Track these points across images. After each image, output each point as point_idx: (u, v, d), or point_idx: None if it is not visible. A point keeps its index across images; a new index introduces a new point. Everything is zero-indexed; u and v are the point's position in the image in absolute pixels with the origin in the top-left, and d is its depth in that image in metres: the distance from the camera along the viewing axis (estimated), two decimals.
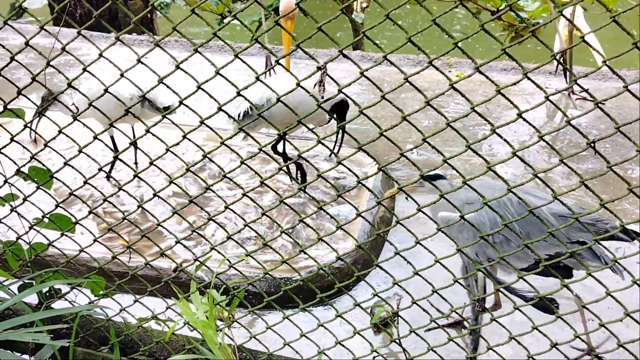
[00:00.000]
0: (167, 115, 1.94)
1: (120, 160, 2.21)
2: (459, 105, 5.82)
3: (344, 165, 1.93)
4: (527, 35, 1.70)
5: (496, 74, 6.19)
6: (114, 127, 2.13)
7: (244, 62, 1.79)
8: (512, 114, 5.34)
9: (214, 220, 2.08)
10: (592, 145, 1.59)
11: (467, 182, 1.83)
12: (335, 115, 4.32)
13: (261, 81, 1.80)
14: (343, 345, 2.28)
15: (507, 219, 2.52)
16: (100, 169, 2.21)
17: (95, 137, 2.09)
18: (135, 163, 4.56)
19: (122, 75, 1.94)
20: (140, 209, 2.21)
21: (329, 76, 1.82)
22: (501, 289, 2.59)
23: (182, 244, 2.15)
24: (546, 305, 2.18)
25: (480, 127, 5.54)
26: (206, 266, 2.28)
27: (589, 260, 2.59)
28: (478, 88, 5.96)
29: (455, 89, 1.71)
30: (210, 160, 1.98)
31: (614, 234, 2.42)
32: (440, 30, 1.65)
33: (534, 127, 1.66)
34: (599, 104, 1.55)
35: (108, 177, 4.47)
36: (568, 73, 5.84)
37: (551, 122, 5.75)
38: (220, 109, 1.87)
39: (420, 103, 1.76)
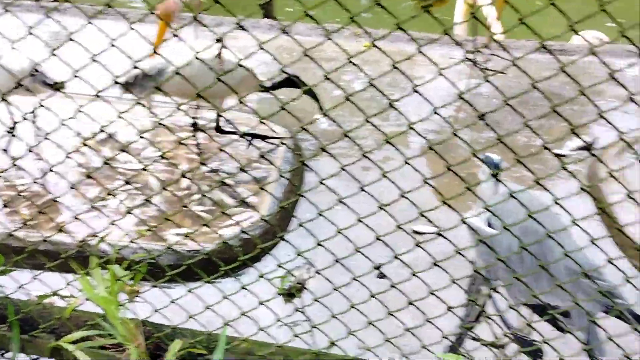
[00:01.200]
0: (60, 90, 1.88)
1: (13, 134, 2.14)
2: (369, 74, 5.86)
3: (245, 138, 1.93)
4: (425, 5, 1.73)
5: (403, 45, 6.25)
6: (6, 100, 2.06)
7: (139, 32, 1.76)
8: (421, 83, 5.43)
9: (113, 195, 2.04)
10: (482, 117, 1.65)
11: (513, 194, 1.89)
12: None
13: (157, 53, 1.77)
14: (248, 316, 2.30)
15: (524, 255, 2.51)
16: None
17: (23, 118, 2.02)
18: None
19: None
20: (43, 181, 2.15)
21: (226, 47, 1.80)
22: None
23: (79, 219, 2.11)
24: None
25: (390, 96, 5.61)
26: (107, 242, 2.25)
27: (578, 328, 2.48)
28: (386, 58, 6.03)
29: (352, 63, 1.74)
30: (108, 134, 1.94)
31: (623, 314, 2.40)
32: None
33: (427, 100, 1.71)
34: (501, 72, 1.61)
35: (4, 151, 4.31)
36: (471, 43, 5.97)
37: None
38: (116, 82, 1.83)
39: (336, 74, 1.78)
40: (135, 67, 1.86)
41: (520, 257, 2.48)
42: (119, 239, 2.32)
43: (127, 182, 2.00)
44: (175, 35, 1.74)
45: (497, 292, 2.59)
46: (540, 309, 2.39)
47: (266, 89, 3.01)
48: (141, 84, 3.94)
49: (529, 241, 2.43)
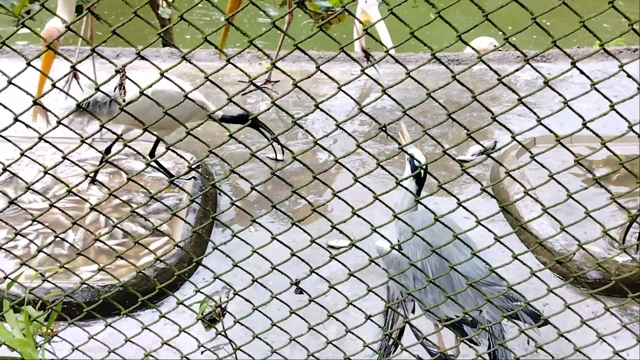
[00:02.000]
0: None
1: None
2: (273, 95, 5.92)
3: (153, 166, 1.93)
4: (321, 24, 1.78)
5: (305, 64, 6.35)
6: None
7: (37, 68, 1.74)
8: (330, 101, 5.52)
9: (21, 235, 2.00)
10: (384, 129, 1.72)
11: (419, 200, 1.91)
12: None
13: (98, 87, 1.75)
14: (170, 345, 2.28)
15: (428, 267, 2.58)
16: None
17: None
18: None
19: None
20: None
21: (129, 78, 1.81)
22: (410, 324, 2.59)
23: None
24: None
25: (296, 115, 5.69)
26: (18, 283, 2.19)
27: (482, 336, 2.57)
28: (290, 79, 6.11)
29: (255, 85, 1.77)
30: (11, 172, 1.90)
31: (519, 314, 2.51)
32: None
33: (331, 116, 1.76)
34: (386, 91, 1.67)
35: None
36: (368, 57, 6.11)
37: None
38: (59, 123, 1.80)
39: (241, 97, 1.81)
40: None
41: (424, 275, 2.54)
42: (30, 280, 2.26)
43: (35, 220, 1.96)
44: (74, 69, 1.73)
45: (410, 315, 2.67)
46: (453, 324, 2.48)
47: (216, 121, 3.06)
48: (95, 111, 3.88)
49: (432, 258, 2.53)
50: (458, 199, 1.85)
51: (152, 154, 4.26)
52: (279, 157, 4.69)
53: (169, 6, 7.91)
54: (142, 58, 1.75)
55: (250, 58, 6.65)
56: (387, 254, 2.61)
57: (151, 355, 2.29)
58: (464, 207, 1.88)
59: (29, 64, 1.72)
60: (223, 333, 2.37)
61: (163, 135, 4.05)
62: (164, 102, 1.74)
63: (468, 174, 1.83)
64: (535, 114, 1.73)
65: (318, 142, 1.83)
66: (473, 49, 1.75)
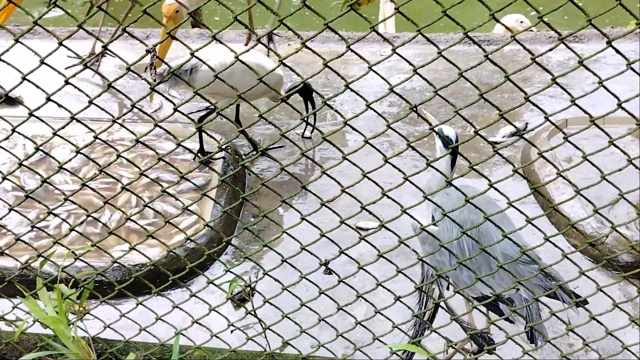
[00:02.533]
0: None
1: None
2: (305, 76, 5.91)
3: (184, 147, 1.94)
4: (350, 4, 1.76)
5: (334, 45, 6.32)
6: None
7: (69, 49, 1.75)
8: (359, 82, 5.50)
9: (54, 214, 2.02)
10: (414, 109, 1.70)
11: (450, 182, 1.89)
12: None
13: (194, 55, 1.76)
14: (199, 324, 2.30)
15: (465, 245, 2.55)
16: None
17: None
18: None
19: None
20: None
21: (159, 59, 1.81)
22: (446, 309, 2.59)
23: (22, 240, 2.08)
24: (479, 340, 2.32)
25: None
26: (51, 261, 2.22)
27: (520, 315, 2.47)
28: (319, 59, 6.08)
29: (284, 65, 1.76)
30: (45, 152, 1.92)
31: (559, 295, 2.45)
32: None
33: (361, 96, 1.75)
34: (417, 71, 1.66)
35: None
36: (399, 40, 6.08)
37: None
38: (91, 102, 1.81)
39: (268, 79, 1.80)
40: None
41: (461, 252, 2.53)
42: (62, 259, 2.29)
43: (67, 199, 1.98)
44: (105, 48, 1.74)
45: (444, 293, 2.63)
46: (489, 303, 2.44)
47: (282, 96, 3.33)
48: (173, 80, 3.96)
49: (469, 235, 2.52)
50: (489, 180, 1.83)
51: (201, 119, 4.42)
52: (307, 134, 4.79)
53: None
54: (173, 38, 1.76)
55: (279, 39, 6.63)
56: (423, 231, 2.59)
57: (181, 334, 2.32)
58: (495, 189, 1.86)
59: (60, 44, 1.73)
60: (253, 312, 2.38)
61: (223, 104, 4.15)
62: (244, 73, 1.71)
63: (500, 154, 1.81)
64: (569, 94, 1.70)
65: (348, 122, 1.82)
66: (507, 28, 1.72)
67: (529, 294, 2.40)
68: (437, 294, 2.73)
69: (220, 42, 1.78)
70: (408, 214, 2.00)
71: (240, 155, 4.78)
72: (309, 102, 4.67)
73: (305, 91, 4.58)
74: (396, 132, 1.89)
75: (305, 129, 4.86)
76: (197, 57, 1.75)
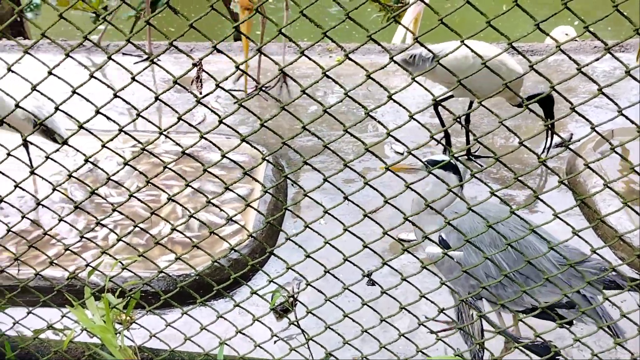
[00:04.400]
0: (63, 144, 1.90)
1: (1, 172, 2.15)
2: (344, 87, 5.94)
3: (229, 158, 1.96)
4: (392, 16, 1.77)
5: (375, 56, 6.34)
6: None
7: (118, 63, 1.79)
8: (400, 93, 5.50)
9: (102, 224, 2.06)
10: (458, 120, 1.70)
11: (471, 208, 1.86)
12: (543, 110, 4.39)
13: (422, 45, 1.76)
14: (243, 334, 2.32)
15: (501, 261, 2.47)
16: None
17: None
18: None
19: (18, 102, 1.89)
20: (27, 218, 2.17)
21: (205, 72, 1.84)
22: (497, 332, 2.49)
23: (71, 250, 2.13)
24: (539, 350, 2.28)
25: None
26: (99, 271, 2.27)
27: (587, 315, 2.44)
28: (360, 71, 6.11)
29: (328, 76, 1.77)
30: (93, 164, 1.97)
31: (619, 282, 2.42)
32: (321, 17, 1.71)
33: (403, 107, 1.75)
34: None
35: None
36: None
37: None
38: (139, 115, 1.86)
39: (310, 90, 1.81)
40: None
41: (498, 268, 2.45)
42: (110, 269, 2.33)
43: (115, 210, 2.02)
44: (153, 62, 1.77)
45: (485, 315, 2.57)
46: (543, 311, 2.38)
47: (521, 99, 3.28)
48: (417, 65, 4.12)
49: (506, 251, 2.44)
50: (535, 192, 1.82)
51: (467, 119, 4.51)
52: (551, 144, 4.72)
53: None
54: (218, 51, 1.78)
55: (320, 51, 6.67)
56: (448, 260, 2.52)
57: (226, 344, 2.33)
58: (541, 200, 1.85)
59: (109, 58, 1.77)
60: (296, 323, 2.39)
61: (459, 94, 4.28)
62: (484, 69, 1.69)
63: (546, 166, 1.79)
64: (616, 104, 1.68)
65: (391, 133, 1.82)
66: (552, 38, 1.71)
67: (590, 291, 2.35)
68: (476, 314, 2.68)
69: (265, 55, 1.80)
70: (452, 225, 1.99)
71: (282, 166, 4.82)
72: (548, 113, 4.39)
73: (547, 100, 4.30)
74: (440, 142, 1.88)
75: (545, 144, 4.71)
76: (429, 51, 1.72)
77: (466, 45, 1.65)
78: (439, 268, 2.61)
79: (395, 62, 1.69)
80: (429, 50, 1.82)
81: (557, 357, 2.28)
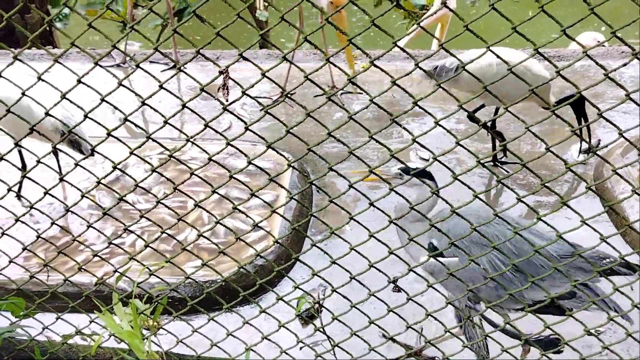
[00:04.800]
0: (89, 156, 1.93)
1: (29, 178, 2.18)
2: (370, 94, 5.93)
3: (255, 165, 1.97)
4: (418, 22, 1.77)
5: (400, 63, 6.33)
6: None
7: (145, 70, 1.81)
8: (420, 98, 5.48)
9: (130, 230, 2.09)
10: (485, 126, 1.70)
11: (455, 210, 1.88)
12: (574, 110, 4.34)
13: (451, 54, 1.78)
14: (269, 340, 2.33)
15: (497, 262, 2.48)
16: (9, 190, 2.19)
17: (1, 158, 2.08)
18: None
19: (47, 111, 1.92)
20: (56, 224, 2.20)
21: (232, 79, 1.86)
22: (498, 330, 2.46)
23: (99, 256, 2.15)
24: (543, 344, 2.28)
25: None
26: (126, 277, 2.29)
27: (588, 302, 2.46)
28: (385, 78, 6.10)
29: (353, 83, 1.78)
30: (121, 170, 1.99)
31: (615, 268, 2.42)
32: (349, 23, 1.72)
33: (428, 112, 1.75)
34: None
35: (18, 196, 4.36)
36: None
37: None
38: (166, 122, 1.88)
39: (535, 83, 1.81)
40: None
41: (494, 268, 2.46)
42: (138, 275, 2.36)
43: (143, 217, 2.04)
44: (180, 70, 1.79)
45: (485, 315, 2.54)
46: (546, 305, 2.37)
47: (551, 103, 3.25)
48: (441, 76, 4.17)
49: (498, 253, 2.43)
50: (561, 197, 1.80)
51: (493, 125, 4.47)
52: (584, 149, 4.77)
53: (266, 9, 8.05)
54: (245, 59, 1.80)
55: (345, 58, 6.68)
56: (438, 268, 2.51)
57: (252, 350, 2.34)
58: (568, 206, 1.83)
59: (137, 66, 1.79)
60: (321, 329, 2.39)
61: (488, 103, 4.23)
62: (509, 75, 1.69)
63: (573, 171, 1.78)
64: None
65: (416, 139, 1.82)
66: (578, 43, 1.70)
67: (593, 278, 2.35)
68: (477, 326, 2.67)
69: (292, 63, 1.81)
70: (475, 229, 1.98)
71: (307, 173, 4.83)
72: (580, 115, 4.33)
73: (579, 103, 4.23)
74: (465, 148, 1.88)
75: (581, 146, 4.72)
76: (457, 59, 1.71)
77: (491, 51, 1.65)
78: (439, 279, 2.58)
79: (420, 68, 1.69)
80: (455, 58, 1.82)
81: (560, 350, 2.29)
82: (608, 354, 2.13)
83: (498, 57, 1.69)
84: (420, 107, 1.83)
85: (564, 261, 2.25)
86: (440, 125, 1.82)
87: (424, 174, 2.54)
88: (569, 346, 2.09)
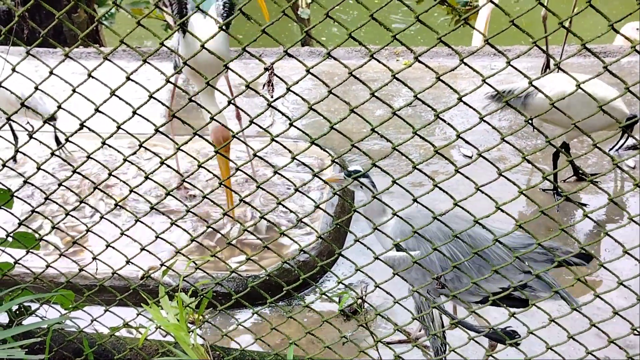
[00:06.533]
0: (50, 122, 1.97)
1: (79, 174, 2.23)
2: (410, 92, 5.92)
3: (299, 160, 1.99)
4: (461, 20, 1.77)
5: (443, 59, 6.30)
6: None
7: (193, 67, 1.84)
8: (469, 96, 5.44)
9: (177, 225, 2.12)
10: (530, 122, 1.69)
11: (396, 213, 1.95)
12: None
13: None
14: (313, 334, 2.34)
15: (456, 254, 2.59)
16: (60, 184, 2.24)
17: (52, 154, 2.13)
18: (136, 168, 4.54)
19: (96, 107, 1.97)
20: (103, 218, 2.24)
21: (277, 76, 1.88)
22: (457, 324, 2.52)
23: (147, 250, 2.19)
24: (499, 336, 2.31)
25: (431, 113, 5.65)
26: (173, 270, 2.33)
27: (541, 291, 2.61)
28: (426, 75, 6.08)
29: (397, 79, 1.79)
30: (168, 165, 2.03)
31: (568, 260, 2.51)
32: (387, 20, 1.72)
33: (473, 108, 1.75)
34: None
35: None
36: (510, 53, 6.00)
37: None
38: (212, 119, 1.91)
39: (377, 93, 1.82)
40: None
41: (454, 260, 2.48)
42: (184, 269, 2.40)
43: (189, 211, 2.07)
44: (226, 67, 1.82)
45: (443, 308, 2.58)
46: (503, 297, 2.40)
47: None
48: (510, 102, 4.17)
49: (456, 243, 2.57)
50: (609, 194, 1.78)
51: (567, 146, 4.27)
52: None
53: (308, 6, 8.09)
54: (289, 56, 1.82)
55: (387, 55, 6.67)
56: (405, 261, 2.59)
57: (295, 344, 2.37)
58: (615, 203, 1.81)
59: (185, 63, 1.82)
60: (364, 324, 2.40)
61: (572, 136, 4.17)
62: (582, 105, 1.69)
63: (620, 168, 1.76)
64: None
65: (460, 135, 1.82)
66: (626, 38, 1.68)
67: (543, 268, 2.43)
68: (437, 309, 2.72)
69: (335, 59, 1.82)
70: (523, 228, 1.97)
71: (344, 167, 4.84)
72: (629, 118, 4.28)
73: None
74: (511, 144, 1.87)
75: (619, 141, 4.43)
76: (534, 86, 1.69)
77: (582, 89, 1.63)
78: (396, 270, 2.63)
79: (465, 64, 1.69)
80: (542, 93, 1.76)
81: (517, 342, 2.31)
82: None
83: (587, 94, 1.69)
84: (465, 103, 1.82)
85: (518, 253, 2.29)
86: (485, 121, 1.81)
87: (366, 176, 2.82)
88: (534, 335, 2.08)
